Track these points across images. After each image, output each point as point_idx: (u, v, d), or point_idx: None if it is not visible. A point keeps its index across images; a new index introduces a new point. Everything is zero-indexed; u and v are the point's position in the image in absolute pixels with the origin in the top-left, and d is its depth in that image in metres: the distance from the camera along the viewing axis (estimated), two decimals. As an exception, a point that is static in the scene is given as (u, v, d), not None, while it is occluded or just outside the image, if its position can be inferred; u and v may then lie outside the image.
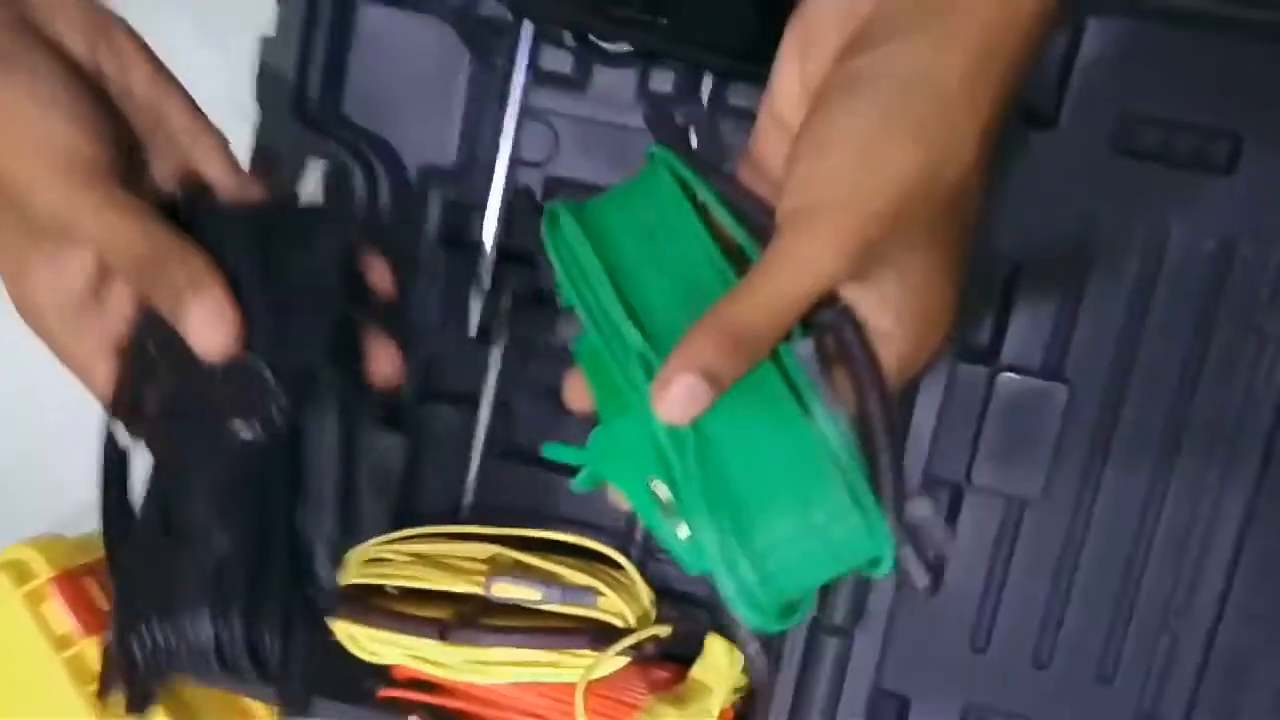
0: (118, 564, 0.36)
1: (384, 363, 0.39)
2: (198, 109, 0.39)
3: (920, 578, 0.34)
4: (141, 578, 0.34)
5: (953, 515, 0.50)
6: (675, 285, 0.35)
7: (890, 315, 0.33)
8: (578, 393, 0.38)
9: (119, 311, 0.37)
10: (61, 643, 0.52)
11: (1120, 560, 0.49)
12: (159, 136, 0.38)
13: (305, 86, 0.49)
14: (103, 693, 0.36)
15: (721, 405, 0.32)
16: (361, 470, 0.38)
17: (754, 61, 0.48)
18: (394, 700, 0.50)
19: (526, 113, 0.51)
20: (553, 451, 0.39)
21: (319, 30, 0.48)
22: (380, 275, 0.39)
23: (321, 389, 0.36)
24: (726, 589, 0.33)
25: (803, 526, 0.33)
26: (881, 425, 0.33)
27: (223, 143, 0.39)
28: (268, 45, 0.47)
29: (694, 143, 0.38)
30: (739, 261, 0.35)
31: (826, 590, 0.47)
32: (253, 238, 0.37)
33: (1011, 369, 0.49)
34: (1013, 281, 0.49)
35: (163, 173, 0.38)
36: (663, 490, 0.34)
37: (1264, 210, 0.47)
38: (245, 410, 0.35)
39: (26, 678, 0.52)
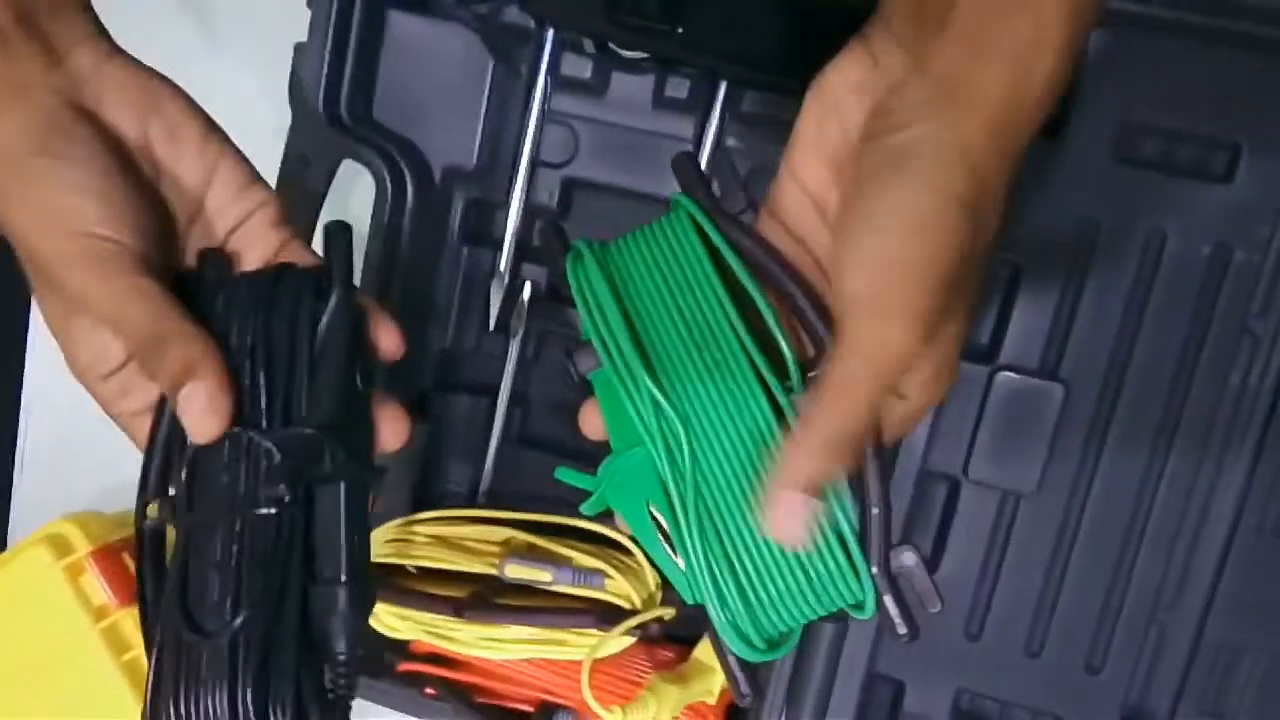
0: (150, 639, 0.37)
1: (392, 434, 0.39)
2: (250, 168, 0.40)
3: (901, 625, 0.36)
4: (167, 654, 0.35)
5: (949, 507, 0.52)
6: (688, 331, 0.37)
7: (912, 383, 0.35)
8: (592, 421, 0.40)
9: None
10: (98, 613, 0.55)
11: (1112, 555, 0.51)
12: (204, 209, 0.39)
13: (336, 91, 0.51)
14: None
15: (723, 449, 0.35)
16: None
17: (766, 71, 0.50)
18: (412, 674, 0.52)
19: (547, 116, 0.53)
20: (565, 475, 0.42)
21: (350, 37, 0.50)
22: (388, 336, 0.39)
23: (330, 464, 0.36)
24: (716, 620, 0.36)
25: (790, 567, 0.35)
26: (875, 478, 0.35)
27: (271, 199, 0.40)
28: (300, 52, 0.50)
29: (716, 190, 0.39)
30: (747, 310, 0.37)
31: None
32: (262, 311, 0.37)
33: (1010, 368, 0.50)
34: (1014, 283, 0.50)
35: (200, 245, 0.39)
36: (663, 521, 0.36)
37: (1259, 218, 0.48)
38: (254, 492, 0.36)
39: (64, 646, 0.55)
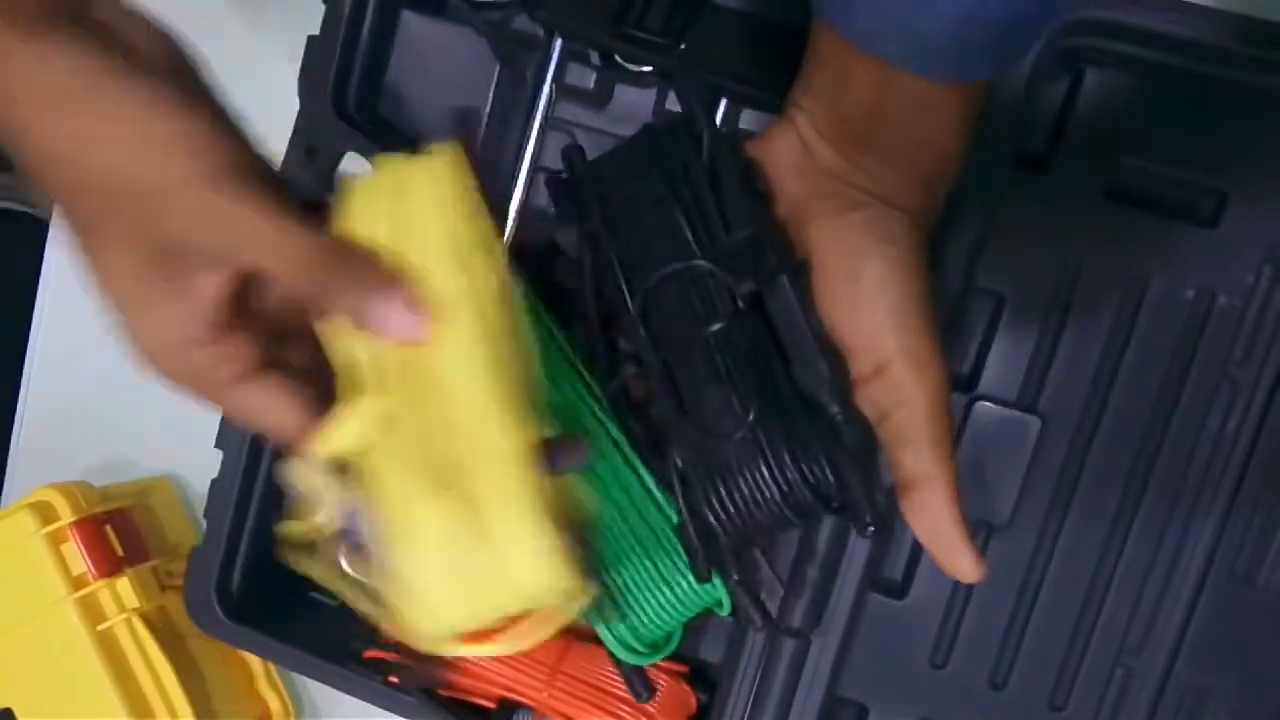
0: (665, 466, 0.40)
1: None
2: None
3: (755, 617, 0.46)
4: (690, 465, 0.39)
5: (921, 534, 0.52)
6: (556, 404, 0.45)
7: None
8: None
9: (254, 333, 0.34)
10: (76, 583, 0.55)
11: (1081, 592, 0.51)
12: None
13: (345, 85, 0.52)
14: (700, 572, 0.40)
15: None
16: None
17: (766, 90, 0.51)
18: (376, 661, 0.52)
19: (550, 123, 0.54)
20: None
21: (362, 34, 0.52)
22: None
23: (770, 260, 0.39)
24: (603, 635, 0.47)
25: (657, 589, 0.46)
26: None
27: None
28: (313, 44, 0.51)
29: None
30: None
31: (790, 592, 0.49)
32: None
33: (988, 398, 0.51)
34: (996, 314, 0.51)
35: None
36: None
37: (1243, 264, 0.48)
38: (712, 309, 0.39)
39: (40, 613, 0.55)
